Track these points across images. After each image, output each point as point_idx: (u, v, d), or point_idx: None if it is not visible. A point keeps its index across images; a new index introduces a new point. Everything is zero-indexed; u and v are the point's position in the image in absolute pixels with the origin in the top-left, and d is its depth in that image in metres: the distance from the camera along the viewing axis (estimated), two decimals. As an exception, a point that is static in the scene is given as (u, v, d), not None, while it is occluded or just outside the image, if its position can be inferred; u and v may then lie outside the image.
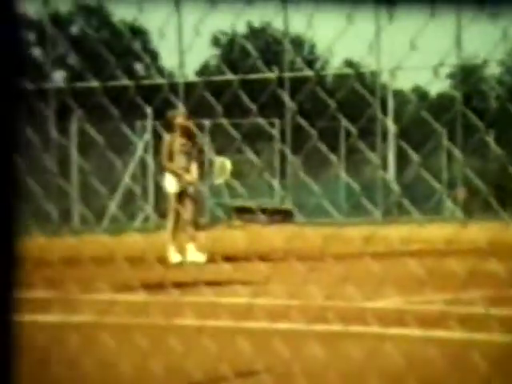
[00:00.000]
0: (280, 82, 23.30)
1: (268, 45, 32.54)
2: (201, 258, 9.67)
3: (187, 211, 10.03)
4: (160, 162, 10.44)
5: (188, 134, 10.21)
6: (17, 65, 1.33)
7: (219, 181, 10.90)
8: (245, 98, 3.70)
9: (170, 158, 10.04)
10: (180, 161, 10.05)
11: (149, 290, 5.61)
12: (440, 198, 23.88)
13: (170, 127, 10.35)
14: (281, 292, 4.84)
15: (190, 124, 10.47)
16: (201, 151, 10.61)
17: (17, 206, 1.32)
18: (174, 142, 10.09)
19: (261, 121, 21.84)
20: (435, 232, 11.54)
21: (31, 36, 34.28)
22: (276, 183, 23.82)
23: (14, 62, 1.32)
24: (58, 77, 33.40)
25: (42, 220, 17.48)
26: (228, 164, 10.45)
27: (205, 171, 10.72)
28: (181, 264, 9.49)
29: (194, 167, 10.09)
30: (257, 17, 34.75)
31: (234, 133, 4.18)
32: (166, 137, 10.24)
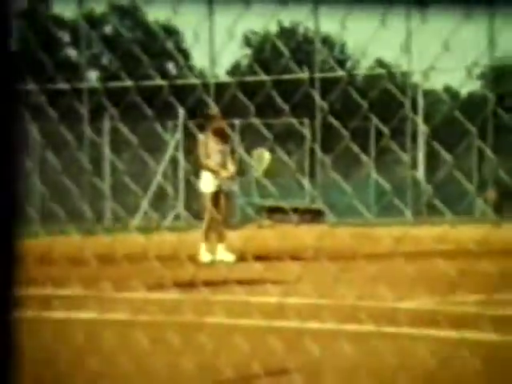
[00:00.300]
0: (311, 81, 23.26)
1: (299, 44, 32.47)
2: (230, 257, 9.69)
3: (220, 211, 10.07)
4: (193, 161, 10.50)
5: (222, 134, 10.23)
6: (12, 66, 1.33)
7: (258, 172, 10.83)
8: (277, 98, 3.69)
9: (207, 156, 10.09)
10: (215, 160, 10.09)
11: (181, 288, 5.63)
12: (471, 199, 23.67)
13: (204, 127, 10.40)
14: (312, 291, 4.83)
15: (224, 124, 10.46)
16: (234, 151, 10.62)
17: (18, 205, 1.32)
18: (209, 141, 10.13)
19: (292, 121, 21.82)
20: (466, 232, 11.45)
21: (66, 36, 34.56)
22: (306, 183, 23.78)
23: (9, 63, 1.32)
24: (92, 76, 33.63)
25: (77, 218, 17.60)
26: (267, 155, 10.40)
27: (237, 171, 10.71)
28: (212, 263, 9.51)
29: (230, 164, 10.13)
30: (287, 17, 34.74)
31: (266, 133, 4.16)
32: (201, 136, 10.30)
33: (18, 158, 1.32)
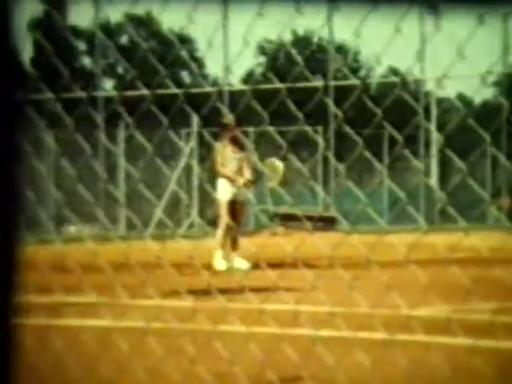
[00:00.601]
0: (325, 89, 23.25)
1: (313, 53, 32.51)
2: (245, 265, 9.69)
3: (236, 219, 10.07)
4: (208, 168, 10.52)
5: (238, 142, 10.22)
6: (13, 77, 1.33)
7: (272, 183, 10.77)
8: (292, 106, 3.69)
9: (223, 165, 10.10)
10: (232, 168, 10.09)
11: (196, 296, 5.63)
12: (485, 206, 23.57)
13: (218, 135, 10.42)
14: (326, 299, 4.82)
15: (239, 132, 10.43)
16: (250, 159, 10.61)
17: (17, 212, 1.32)
18: (226, 149, 10.13)
19: (306, 128, 21.78)
20: (480, 240, 11.39)
21: (82, 45, 34.74)
22: (320, 190, 23.75)
23: (10, 74, 1.32)
24: (108, 85, 33.81)
25: (92, 225, 17.65)
26: (280, 165, 10.37)
27: (253, 179, 10.66)
28: (227, 271, 9.51)
29: (246, 171, 10.13)
30: (302, 25, 34.77)
31: (280, 140, 4.16)
32: (218, 145, 10.27)
33: (17, 166, 1.32)
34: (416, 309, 5.51)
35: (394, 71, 31.85)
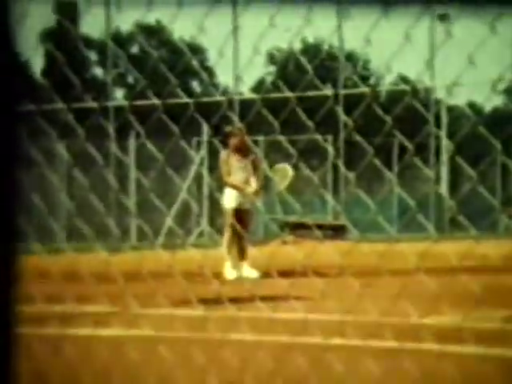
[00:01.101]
0: (335, 97, 23.27)
1: (322, 60, 32.55)
2: (255, 274, 9.67)
3: (243, 227, 10.05)
4: (218, 177, 10.50)
5: (242, 150, 10.18)
6: (15, 87, 1.33)
7: (281, 187, 10.77)
8: (302, 115, 3.69)
9: (229, 173, 10.07)
10: (238, 176, 10.07)
11: (206, 304, 5.62)
12: (495, 215, 23.49)
13: (227, 143, 10.43)
14: (336, 308, 4.81)
15: (246, 140, 10.39)
16: (257, 167, 10.58)
17: (17, 222, 1.32)
18: (230, 158, 10.12)
19: (316, 137, 21.78)
20: (491, 248, 11.35)
21: (93, 55, 34.88)
22: (330, 199, 23.73)
23: (12, 84, 1.33)
24: (119, 95, 33.93)
25: (103, 236, 17.67)
26: (289, 170, 10.36)
27: (262, 187, 10.63)
28: (236, 280, 9.49)
29: (253, 180, 10.10)
30: (312, 33, 34.81)
31: (291, 149, 4.16)
32: (223, 153, 10.28)
33: (16, 176, 1.32)
34: (426, 317, 5.49)
35: (404, 79, 31.84)
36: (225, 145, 10.41)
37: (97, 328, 4.56)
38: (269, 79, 37.85)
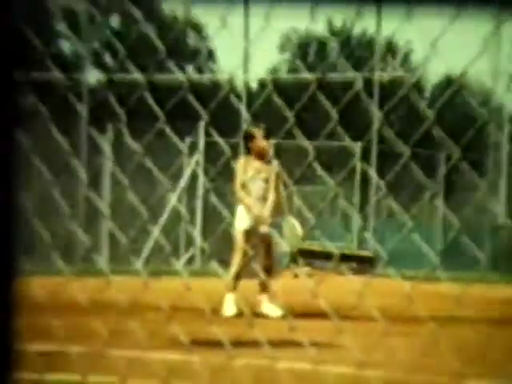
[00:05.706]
0: (368, 93, 23.50)
1: (352, 49, 32.76)
2: (277, 311, 9.70)
3: (259, 254, 9.93)
4: (231, 191, 10.17)
5: (265, 156, 10.00)
6: (14, 81, 1.50)
7: (289, 247, 10.95)
8: (324, 103, 3.88)
9: (244, 185, 9.92)
10: (255, 189, 9.95)
11: (198, 347, 5.81)
12: None
13: (247, 147, 10.08)
14: (354, 358, 5.01)
15: (269, 143, 10.12)
16: (279, 177, 10.10)
17: (16, 245, 1.46)
18: (248, 165, 9.99)
19: (344, 144, 22.01)
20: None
21: (62, 27, 35.14)
22: (356, 220, 23.80)
23: (9, 75, 1.49)
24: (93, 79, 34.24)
25: (68, 248, 17.81)
26: (299, 228, 10.49)
27: (282, 205, 10.36)
28: (236, 317, 9.58)
29: (270, 199, 9.95)
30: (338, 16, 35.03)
31: (310, 155, 4.36)
32: (240, 160, 10.11)
33: (16, 195, 1.49)
34: (464, 379, 5.70)
35: (450, 80, 32.03)
36: (246, 149, 10.02)
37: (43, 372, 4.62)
38: (283, 69, 38.04)
